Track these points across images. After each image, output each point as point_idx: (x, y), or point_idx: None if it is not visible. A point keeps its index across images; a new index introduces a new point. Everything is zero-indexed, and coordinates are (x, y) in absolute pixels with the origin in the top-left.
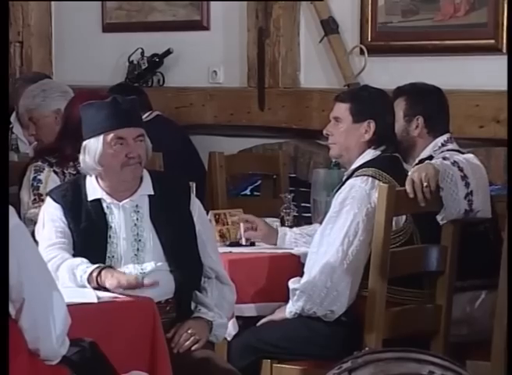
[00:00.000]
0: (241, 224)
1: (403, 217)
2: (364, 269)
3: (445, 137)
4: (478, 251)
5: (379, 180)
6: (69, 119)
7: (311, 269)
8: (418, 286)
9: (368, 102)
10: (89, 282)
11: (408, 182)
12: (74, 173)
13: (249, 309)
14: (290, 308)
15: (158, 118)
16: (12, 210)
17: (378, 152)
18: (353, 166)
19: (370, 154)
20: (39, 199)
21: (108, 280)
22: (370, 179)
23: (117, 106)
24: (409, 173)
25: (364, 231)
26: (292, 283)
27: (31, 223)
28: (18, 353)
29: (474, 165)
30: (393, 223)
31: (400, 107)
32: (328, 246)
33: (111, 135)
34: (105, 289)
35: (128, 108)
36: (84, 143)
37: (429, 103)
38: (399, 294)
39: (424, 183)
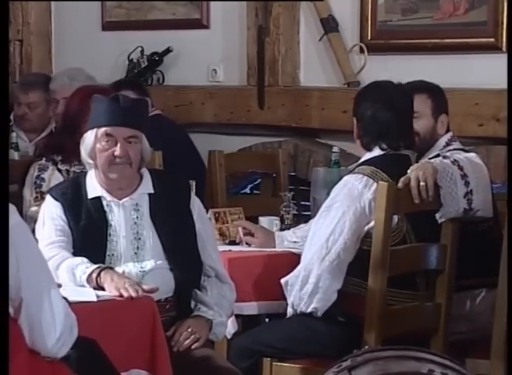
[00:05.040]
0: (239, 228)
1: (396, 217)
2: (358, 268)
3: (448, 135)
4: (479, 250)
5: (374, 179)
6: (67, 113)
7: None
8: (413, 287)
9: (355, 101)
10: (88, 282)
11: (404, 180)
12: (79, 171)
13: (249, 308)
14: (288, 308)
15: (157, 117)
16: (13, 208)
17: (381, 151)
18: (358, 162)
19: (375, 152)
20: (41, 197)
21: (108, 285)
22: (365, 177)
23: (115, 104)
24: (408, 171)
25: (349, 230)
26: (283, 279)
27: (32, 220)
28: (18, 351)
29: (475, 164)
30: None
31: (426, 104)
32: (316, 239)
33: (101, 130)
34: (104, 289)
35: (127, 107)
36: (84, 134)
37: (446, 102)
38: (394, 295)
39: (422, 183)
